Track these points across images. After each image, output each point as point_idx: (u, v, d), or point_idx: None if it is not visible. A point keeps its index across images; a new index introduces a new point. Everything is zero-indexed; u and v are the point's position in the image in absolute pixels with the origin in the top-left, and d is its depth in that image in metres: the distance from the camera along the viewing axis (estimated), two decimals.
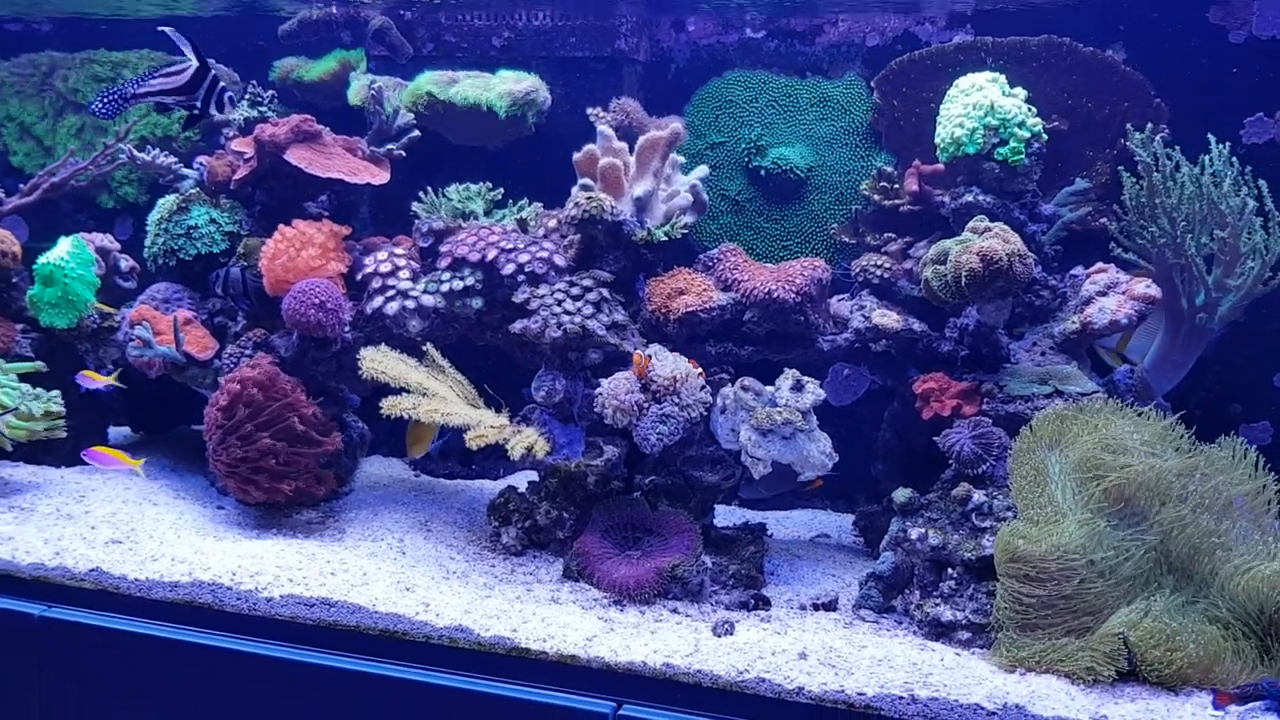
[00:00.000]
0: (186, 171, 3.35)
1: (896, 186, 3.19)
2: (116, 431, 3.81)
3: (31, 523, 2.97)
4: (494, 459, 3.56)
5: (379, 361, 2.79)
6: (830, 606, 2.68)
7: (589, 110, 3.27)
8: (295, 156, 3.09)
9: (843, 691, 2.21)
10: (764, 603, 2.68)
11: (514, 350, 3.04)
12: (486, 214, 3.17)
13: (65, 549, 2.80)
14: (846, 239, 3.28)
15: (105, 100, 2.78)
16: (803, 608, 2.70)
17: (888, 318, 2.86)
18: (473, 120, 3.36)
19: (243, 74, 3.71)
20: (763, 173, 3.39)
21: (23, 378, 3.17)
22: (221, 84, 2.77)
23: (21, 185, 3.52)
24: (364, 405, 3.32)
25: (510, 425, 2.74)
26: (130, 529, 2.93)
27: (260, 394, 2.91)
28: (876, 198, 3.21)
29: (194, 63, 2.75)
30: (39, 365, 3.20)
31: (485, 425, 2.66)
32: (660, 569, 2.65)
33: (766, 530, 3.00)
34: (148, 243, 3.39)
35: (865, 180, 3.29)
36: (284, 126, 3.13)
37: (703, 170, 3.04)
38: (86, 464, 3.48)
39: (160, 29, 2.74)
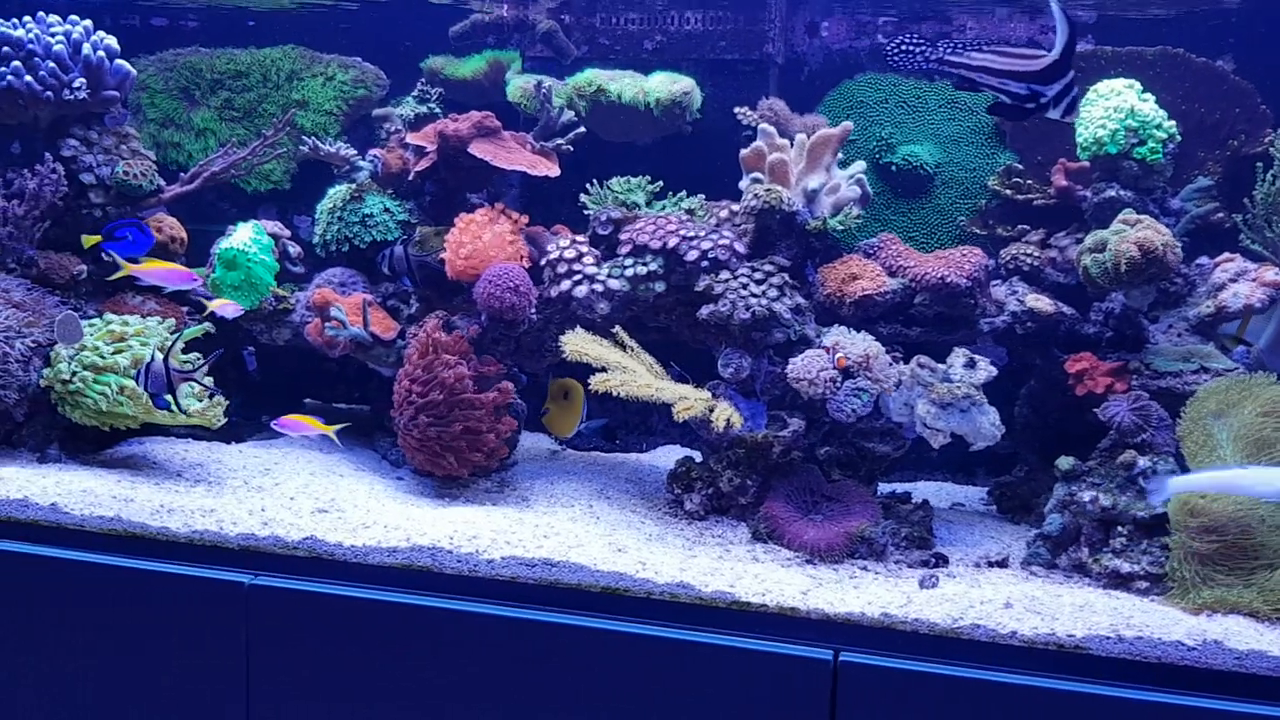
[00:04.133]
0: (361, 163, 3.52)
1: (1029, 182, 3.47)
2: None
3: (227, 495, 3.13)
4: (637, 434, 3.80)
5: (580, 343, 2.99)
6: (1003, 564, 2.95)
7: (737, 109, 3.50)
8: (479, 150, 3.29)
9: (1053, 634, 2.47)
10: (943, 561, 2.93)
11: (684, 331, 3.27)
12: (647, 205, 3.40)
13: (272, 519, 2.96)
14: (977, 230, 3.56)
15: (903, 53, 2.61)
16: (977, 565, 2.96)
17: (1041, 302, 3.13)
18: (626, 117, 3.59)
19: (387, 71, 3.91)
20: (893, 169, 3.65)
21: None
22: (1077, 88, 2.60)
23: (182, 174, 3.67)
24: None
25: (710, 399, 2.97)
26: (330, 499, 3.11)
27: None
28: (1007, 192, 3.49)
29: (1054, 55, 2.58)
30: (206, 326, 3.35)
31: (693, 399, 2.89)
32: (850, 532, 2.90)
33: (911, 498, 3.28)
34: (319, 230, 3.57)
35: (992, 176, 3.57)
36: (466, 122, 3.33)
37: (861, 165, 3.29)
38: (244, 440, 3.68)
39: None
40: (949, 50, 2.64)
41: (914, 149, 3.64)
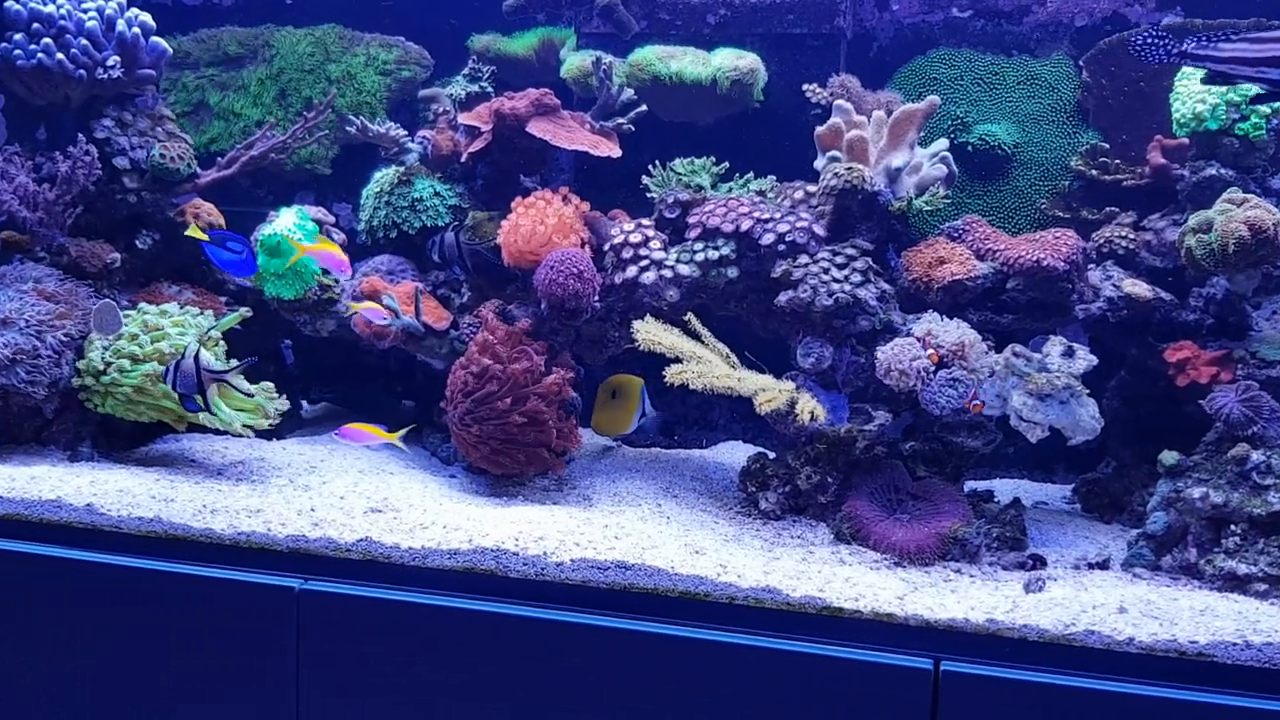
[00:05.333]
0: (411, 145, 3.34)
1: (1117, 162, 3.28)
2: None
3: (272, 494, 2.96)
4: (697, 429, 3.62)
5: (653, 332, 2.81)
6: (1104, 565, 2.76)
7: (805, 86, 3.32)
8: (538, 129, 3.11)
9: (1175, 640, 2.29)
10: (1041, 562, 2.75)
11: (755, 319, 3.09)
12: (712, 188, 3.22)
13: (324, 520, 2.79)
14: (1059, 214, 3.37)
15: (1148, 45, 2.49)
16: (1076, 567, 2.77)
17: (1138, 287, 2.94)
18: (687, 96, 3.40)
19: (432, 51, 3.73)
20: (969, 148, 3.46)
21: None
22: None
23: (220, 158, 3.50)
24: None
25: (793, 390, 2.78)
26: (383, 498, 2.94)
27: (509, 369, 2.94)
28: (1093, 173, 3.31)
29: None
30: (244, 312, 3.17)
31: (775, 390, 2.71)
32: (941, 533, 2.72)
33: (994, 496, 3.11)
34: (364, 215, 3.40)
35: (1075, 156, 3.38)
36: (524, 100, 3.15)
37: (943, 142, 3.11)
38: (285, 436, 3.50)
39: None
40: (1194, 45, 2.49)
41: (991, 128, 3.46)
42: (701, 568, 2.58)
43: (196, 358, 2.80)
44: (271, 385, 3.14)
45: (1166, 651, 2.29)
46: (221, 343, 3.13)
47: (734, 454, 3.50)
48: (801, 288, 2.87)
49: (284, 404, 3.16)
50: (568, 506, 2.97)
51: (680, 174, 3.21)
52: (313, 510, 2.84)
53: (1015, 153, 3.48)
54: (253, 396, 3.03)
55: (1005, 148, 3.45)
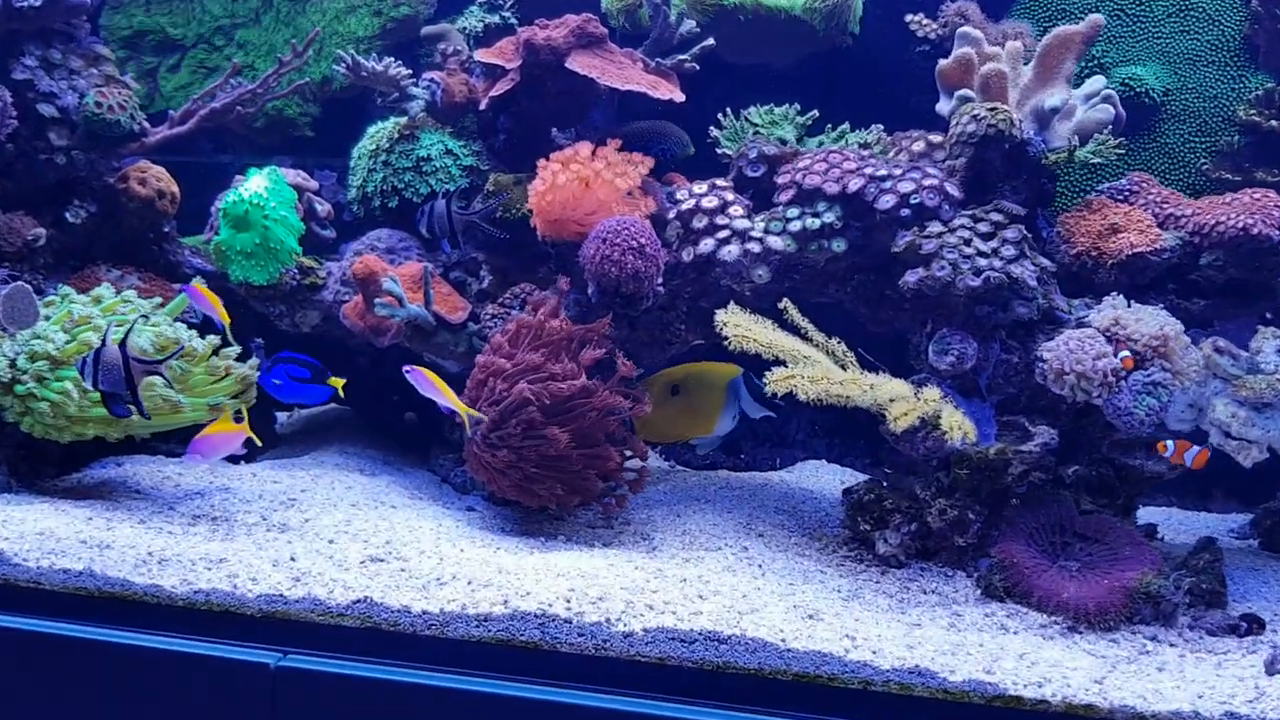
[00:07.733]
0: (415, 91, 2.66)
1: None
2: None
3: (240, 538, 2.31)
4: (769, 446, 2.96)
5: (744, 325, 2.14)
6: None
7: (909, 17, 2.68)
8: (581, 64, 2.45)
9: None
10: (1259, 625, 2.10)
11: (860, 307, 2.43)
12: (798, 142, 2.56)
13: (308, 572, 2.15)
14: (1226, 176, 2.73)
15: None
16: None
17: None
18: (762, 29, 2.77)
19: None
20: None
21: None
22: None
23: (172, 112, 2.82)
24: None
25: (938, 399, 2.11)
26: (385, 541, 2.28)
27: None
28: (1272, 124, 2.67)
29: None
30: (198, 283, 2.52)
31: (914, 401, 2.04)
32: (1127, 586, 2.06)
33: (1157, 531, 2.48)
34: (357, 180, 2.74)
35: (1243, 105, 2.75)
36: (562, 29, 2.50)
37: (1101, 80, 2.45)
38: (255, 459, 2.82)
39: None
40: None
41: (1135, 71, 2.84)
42: (821, 640, 1.93)
43: (123, 343, 2.10)
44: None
45: None
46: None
47: (820, 477, 2.85)
48: (936, 264, 2.20)
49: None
50: (627, 551, 2.30)
51: (758, 125, 2.56)
52: (293, 560, 2.21)
53: (1165, 101, 2.86)
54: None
55: (1153, 95, 2.85)
